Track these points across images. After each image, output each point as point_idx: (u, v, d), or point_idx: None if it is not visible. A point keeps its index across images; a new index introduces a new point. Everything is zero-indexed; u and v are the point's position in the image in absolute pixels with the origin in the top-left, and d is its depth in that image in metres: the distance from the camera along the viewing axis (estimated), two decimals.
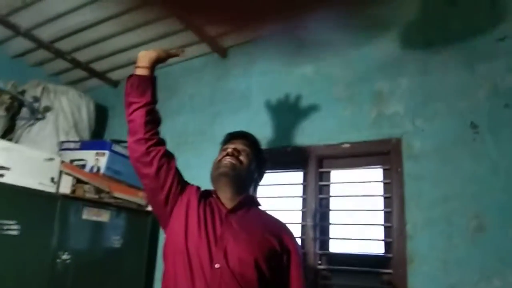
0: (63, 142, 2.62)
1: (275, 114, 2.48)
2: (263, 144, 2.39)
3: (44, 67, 3.15)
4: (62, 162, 2.09)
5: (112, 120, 3.28)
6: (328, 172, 2.26)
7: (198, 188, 1.56)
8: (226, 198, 1.50)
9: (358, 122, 2.19)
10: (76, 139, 2.72)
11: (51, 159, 2.01)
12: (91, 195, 2.17)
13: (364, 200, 2.13)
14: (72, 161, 2.36)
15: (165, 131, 2.75)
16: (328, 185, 2.23)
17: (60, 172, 2.05)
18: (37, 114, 2.60)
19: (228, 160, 1.51)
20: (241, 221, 1.44)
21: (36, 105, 2.59)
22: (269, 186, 2.40)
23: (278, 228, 1.52)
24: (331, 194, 2.22)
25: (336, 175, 2.25)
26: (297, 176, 2.35)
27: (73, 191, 2.11)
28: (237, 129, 2.48)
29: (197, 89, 2.88)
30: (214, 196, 1.52)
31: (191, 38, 2.70)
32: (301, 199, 2.26)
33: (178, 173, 1.53)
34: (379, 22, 2.29)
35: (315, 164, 2.25)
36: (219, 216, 1.44)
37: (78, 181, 2.15)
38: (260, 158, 1.67)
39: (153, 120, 1.51)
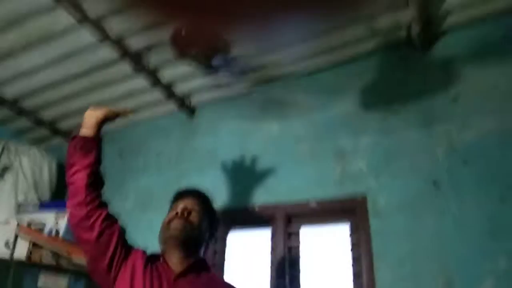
0: (21, 204, 2.51)
1: (241, 172, 2.48)
2: (230, 203, 2.40)
3: (7, 126, 3.07)
4: (18, 225, 1.99)
5: None
6: (297, 231, 2.23)
7: (144, 252, 1.48)
8: (175, 261, 1.43)
9: (323, 179, 2.21)
10: (36, 200, 2.61)
11: (7, 222, 1.91)
12: (48, 260, 2.05)
13: (333, 258, 2.10)
14: (29, 224, 2.25)
15: (130, 190, 2.74)
16: (297, 243, 2.20)
17: (16, 236, 1.94)
18: None
19: (177, 222, 1.46)
20: (191, 286, 1.37)
21: None
22: (236, 247, 2.34)
23: None
24: (300, 252, 2.18)
25: (305, 232, 2.23)
26: (265, 234, 2.31)
27: (29, 256, 1.99)
28: (204, 188, 2.49)
29: (164, 147, 2.86)
30: (161, 259, 1.44)
31: (159, 96, 2.72)
32: (269, 258, 2.21)
33: (121, 237, 1.44)
34: (340, 83, 2.39)
35: (283, 222, 2.22)
36: (167, 282, 1.36)
37: (35, 245, 2.04)
38: (212, 216, 1.61)
39: (95, 182, 1.45)
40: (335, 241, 2.13)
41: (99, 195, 1.45)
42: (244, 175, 2.46)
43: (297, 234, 2.23)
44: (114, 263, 1.37)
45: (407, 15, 2.08)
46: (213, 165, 2.59)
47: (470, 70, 2.09)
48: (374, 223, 2.01)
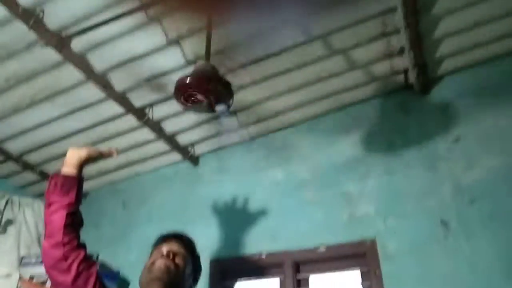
0: (24, 257, 2.46)
1: (247, 220, 2.45)
2: (237, 252, 2.35)
3: (11, 180, 3.07)
4: (21, 278, 1.95)
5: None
6: (306, 279, 2.18)
7: None
8: None
9: (331, 224, 2.19)
10: (39, 253, 2.56)
11: (8, 276, 1.88)
12: None
13: None
14: (32, 277, 2.20)
15: (133, 242, 2.70)
16: None
17: None
18: None
19: (162, 263, 1.39)
20: None
21: None
22: None
23: None
24: None
25: (314, 280, 2.17)
26: (273, 283, 2.25)
27: None
28: (210, 237, 2.47)
29: (168, 197, 2.85)
30: None
31: (163, 147, 2.75)
32: None
33: (99, 281, 1.38)
34: (340, 128, 2.42)
35: (292, 270, 2.17)
36: None
37: None
38: (196, 261, 1.57)
39: (74, 223, 1.39)
40: (347, 287, 2.07)
41: (77, 236, 1.40)
42: (250, 223, 2.43)
43: (307, 281, 2.17)
44: None
45: (404, 60, 2.15)
46: (218, 213, 2.57)
47: (469, 112, 2.14)
48: (385, 267, 1.97)
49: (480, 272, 1.78)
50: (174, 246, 1.46)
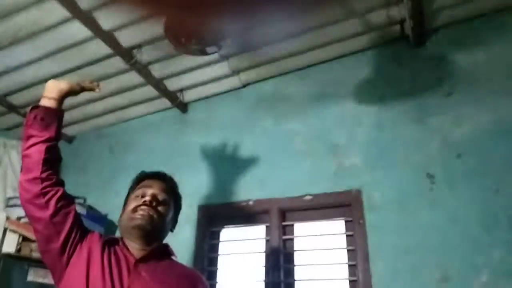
0: (10, 198, 2.45)
1: (235, 168, 2.46)
2: (224, 199, 2.38)
3: None
4: (8, 218, 1.95)
5: (65, 176, 3.05)
6: (292, 225, 2.22)
7: (101, 235, 1.37)
8: (137, 247, 1.33)
9: (318, 174, 2.21)
10: None
11: None
12: (38, 254, 2.00)
13: (328, 253, 2.09)
14: (19, 218, 2.20)
15: (121, 187, 2.65)
16: (292, 239, 2.19)
17: (5, 230, 1.90)
18: None
19: (145, 211, 1.33)
20: (152, 271, 1.28)
21: None
22: (230, 242, 2.33)
23: (193, 280, 1.38)
24: (295, 248, 2.17)
25: (299, 228, 2.22)
26: (259, 230, 2.30)
27: (19, 250, 1.95)
28: (198, 183, 2.48)
29: (156, 144, 2.83)
30: (120, 243, 1.34)
31: (151, 93, 2.69)
32: (263, 254, 2.19)
33: (77, 218, 1.33)
34: (333, 78, 2.39)
35: (278, 217, 2.21)
36: (127, 266, 1.27)
37: (25, 239, 1.99)
38: (177, 205, 1.51)
39: (53, 158, 1.33)
40: (330, 235, 2.12)
41: (56, 172, 1.33)
42: (238, 170, 2.44)
43: (292, 227, 2.22)
44: (69, 245, 1.28)
45: (401, 10, 2.09)
46: (206, 161, 2.57)
47: (463, 66, 2.11)
48: (369, 217, 2.01)
49: (461, 223, 1.83)
50: (157, 190, 1.40)
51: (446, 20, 2.17)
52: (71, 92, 1.44)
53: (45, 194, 1.26)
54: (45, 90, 1.39)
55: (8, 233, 1.91)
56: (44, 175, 1.27)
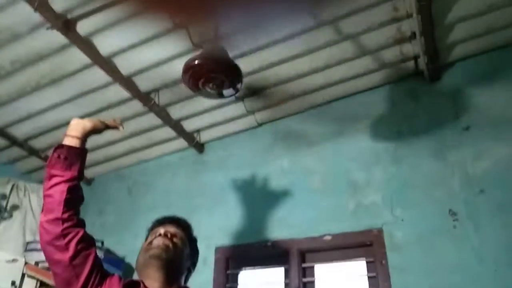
0: (29, 242, 2.47)
1: (253, 207, 2.43)
2: (242, 239, 2.34)
3: (17, 165, 3.08)
4: (26, 263, 1.94)
5: (84, 218, 3.14)
6: (312, 267, 2.16)
7: (120, 278, 1.32)
8: (156, 287, 1.28)
9: (337, 213, 2.17)
10: None
11: (14, 260, 1.87)
12: None
13: None
14: (37, 263, 2.20)
15: (140, 228, 2.65)
16: (312, 282, 2.12)
17: (23, 275, 1.89)
18: (3, 213, 2.48)
19: (160, 241, 1.32)
20: None
21: (3, 203, 2.48)
22: (248, 286, 2.27)
23: None
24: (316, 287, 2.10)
25: (320, 269, 2.16)
26: (278, 272, 2.24)
27: None
28: (215, 224, 2.46)
29: (173, 184, 2.84)
30: (141, 286, 1.28)
31: (169, 134, 2.73)
32: None
33: (97, 261, 1.30)
34: (349, 115, 2.39)
35: (297, 259, 2.16)
36: None
37: (42, 284, 1.98)
38: (194, 245, 1.48)
39: (75, 198, 1.30)
40: (352, 277, 2.05)
41: (77, 213, 1.31)
42: (255, 210, 2.41)
43: (312, 269, 2.16)
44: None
45: (414, 47, 2.11)
46: (224, 201, 2.56)
47: (480, 99, 2.10)
48: (391, 258, 1.94)
49: (487, 263, 1.76)
50: (171, 228, 1.39)
51: (460, 54, 2.18)
52: (95, 131, 1.43)
53: (65, 235, 1.23)
54: (68, 128, 1.37)
55: (26, 278, 1.91)
56: (65, 215, 1.25)
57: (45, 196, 1.28)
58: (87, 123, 1.39)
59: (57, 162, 1.29)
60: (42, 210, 1.28)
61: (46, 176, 1.30)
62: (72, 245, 1.23)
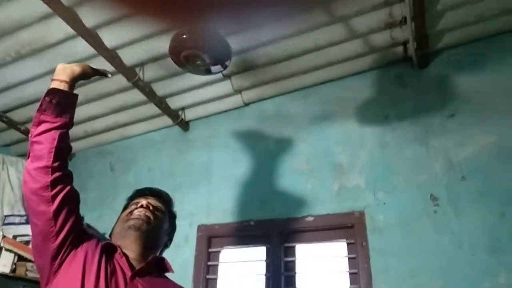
0: (7, 215, 2.42)
1: (236, 187, 2.43)
2: (225, 219, 2.34)
3: None
4: (4, 237, 1.91)
5: None
6: (293, 247, 2.18)
7: (99, 241, 1.27)
8: (133, 256, 1.25)
9: (320, 195, 2.18)
10: (23, 213, 2.52)
11: None
12: (33, 274, 1.97)
13: (331, 276, 2.05)
14: (15, 236, 2.16)
15: (120, 205, 2.64)
16: (293, 261, 2.14)
17: (0, 248, 1.86)
18: None
19: (142, 212, 1.29)
20: (149, 287, 1.21)
21: None
22: (230, 264, 2.28)
23: None
24: (296, 270, 2.12)
25: (301, 250, 2.18)
26: (260, 251, 2.25)
27: (14, 270, 1.90)
28: (198, 203, 2.45)
29: (157, 162, 2.81)
30: (119, 251, 1.24)
31: (153, 111, 2.68)
32: (264, 277, 2.14)
33: (79, 220, 1.24)
34: (336, 98, 2.38)
35: (279, 239, 2.17)
36: (123, 277, 1.18)
37: (20, 258, 1.95)
38: (172, 221, 1.45)
39: (64, 147, 1.22)
40: (333, 258, 2.08)
41: (66, 164, 1.22)
42: (239, 190, 2.41)
43: (293, 249, 2.17)
44: (65, 247, 1.17)
45: (404, 32, 2.10)
46: (208, 179, 2.54)
47: (466, 87, 2.12)
48: (372, 240, 1.98)
49: (466, 247, 1.80)
50: (153, 201, 1.36)
51: (450, 42, 2.18)
52: (84, 75, 1.34)
53: (53, 186, 1.16)
54: (56, 73, 1.28)
55: (3, 252, 1.87)
56: (55, 164, 1.17)
57: (33, 142, 1.19)
58: (75, 67, 1.30)
59: (49, 107, 1.20)
60: (28, 157, 1.20)
61: (35, 122, 1.21)
62: (59, 198, 1.16)
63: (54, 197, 1.15)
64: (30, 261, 1.97)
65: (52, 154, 1.17)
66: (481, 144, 1.96)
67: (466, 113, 2.06)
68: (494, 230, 1.78)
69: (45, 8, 1.89)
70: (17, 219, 2.36)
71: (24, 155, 3.06)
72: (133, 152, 2.93)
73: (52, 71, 2.27)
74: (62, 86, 1.24)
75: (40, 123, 1.20)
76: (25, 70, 2.34)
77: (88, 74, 1.37)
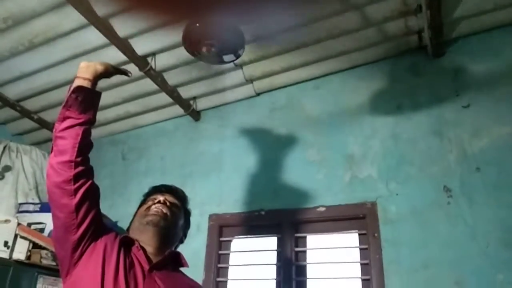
0: (21, 203, 2.45)
1: (247, 177, 2.43)
2: (236, 208, 2.35)
3: (8, 126, 3.03)
4: (19, 224, 1.93)
5: None
6: (304, 237, 2.18)
7: (117, 234, 1.32)
8: (151, 251, 1.30)
9: (332, 185, 2.18)
10: (37, 201, 2.56)
11: (6, 221, 1.86)
12: (48, 261, 1.99)
13: (342, 266, 2.05)
14: (30, 224, 2.19)
15: (133, 194, 2.68)
16: (304, 251, 2.15)
17: (16, 236, 1.89)
18: None
19: (160, 207, 1.34)
20: (165, 280, 1.26)
21: None
22: (241, 253, 2.29)
23: None
24: (307, 261, 2.12)
25: (312, 240, 2.18)
26: (271, 241, 2.26)
27: (29, 257, 1.93)
28: (209, 192, 2.46)
29: (168, 151, 2.82)
30: (137, 246, 1.29)
31: (165, 100, 2.69)
32: (275, 266, 2.15)
33: (100, 214, 1.29)
34: (349, 87, 2.36)
35: (290, 229, 2.17)
36: (141, 270, 1.24)
37: (35, 246, 1.98)
38: (187, 217, 1.50)
39: (87, 143, 1.27)
40: (344, 248, 2.08)
41: (88, 159, 1.28)
42: (250, 180, 2.41)
43: (305, 239, 2.18)
44: (85, 239, 1.22)
45: (419, 21, 2.06)
46: (219, 169, 2.55)
47: (481, 77, 2.08)
48: (384, 231, 1.97)
49: (480, 239, 1.78)
50: (169, 198, 1.41)
51: (465, 31, 2.14)
52: (106, 74, 1.38)
53: (76, 180, 1.20)
54: (79, 71, 1.32)
55: (18, 239, 1.90)
56: (78, 159, 1.22)
57: (57, 137, 1.24)
58: (98, 66, 1.34)
59: (74, 104, 1.25)
60: (52, 151, 1.24)
61: (60, 118, 1.25)
62: (81, 192, 1.21)
63: (76, 191, 1.20)
64: (44, 248, 2.00)
65: (76, 149, 1.21)
66: (496, 135, 1.93)
67: (481, 103, 2.02)
68: (508, 223, 1.76)
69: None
70: (31, 207, 2.39)
71: (37, 143, 3.11)
72: (145, 141, 2.94)
73: (65, 60, 2.33)
74: (86, 84, 1.28)
75: (65, 118, 1.24)
76: (38, 59, 2.35)
77: (110, 73, 1.41)
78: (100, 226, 1.27)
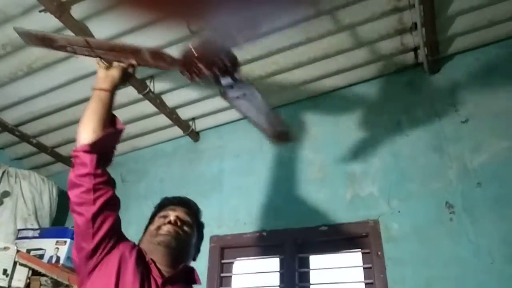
0: (20, 229, 2.43)
1: (248, 197, 2.42)
2: (238, 229, 2.33)
3: (7, 151, 3.02)
4: (18, 251, 1.91)
5: None
6: (307, 258, 2.16)
7: (134, 244, 1.32)
8: (162, 268, 1.29)
9: (333, 204, 2.16)
10: (36, 226, 2.54)
11: (5, 248, 1.84)
12: None
13: (346, 286, 2.02)
14: (29, 250, 2.17)
15: (133, 216, 2.65)
16: (307, 272, 2.12)
17: (15, 263, 1.86)
18: None
19: (170, 227, 1.32)
20: None
21: None
22: (243, 275, 2.26)
23: None
24: (311, 281, 2.09)
25: (315, 260, 2.15)
26: (273, 262, 2.23)
27: (28, 285, 1.90)
28: (210, 213, 2.44)
29: (168, 172, 2.81)
30: (149, 260, 1.28)
31: (164, 122, 2.69)
32: (278, 285, 2.12)
33: (116, 225, 1.28)
34: (347, 106, 2.37)
35: (293, 249, 2.15)
36: (155, 283, 1.23)
37: (34, 273, 1.95)
38: (200, 230, 1.48)
39: (108, 153, 1.32)
40: (347, 268, 2.05)
41: (107, 172, 1.30)
42: (251, 200, 2.40)
43: (307, 259, 2.15)
44: (100, 249, 1.22)
45: (415, 38, 2.08)
46: (219, 190, 2.54)
47: (479, 92, 2.09)
48: (387, 249, 1.95)
49: (483, 255, 1.77)
50: (181, 213, 1.38)
51: (460, 47, 2.16)
52: (124, 77, 1.43)
53: (96, 190, 1.22)
54: (96, 82, 1.36)
55: (18, 266, 1.88)
56: (98, 171, 1.24)
57: (76, 156, 1.26)
58: (115, 73, 1.38)
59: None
60: (74, 165, 1.26)
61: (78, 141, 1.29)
62: (99, 202, 1.22)
63: (95, 201, 1.21)
64: (44, 275, 1.97)
65: (94, 162, 1.24)
66: (496, 149, 1.93)
67: (479, 118, 2.03)
68: (511, 237, 1.75)
69: (56, 23, 1.90)
70: (30, 233, 2.36)
71: (36, 168, 3.10)
72: (144, 163, 2.93)
73: (63, 85, 2.34)
74: (103, 95, 1.34)
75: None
76: (37, 84, 2.36)
77: (127, 74, 1.45)
78: (116, 237, 1.26)
